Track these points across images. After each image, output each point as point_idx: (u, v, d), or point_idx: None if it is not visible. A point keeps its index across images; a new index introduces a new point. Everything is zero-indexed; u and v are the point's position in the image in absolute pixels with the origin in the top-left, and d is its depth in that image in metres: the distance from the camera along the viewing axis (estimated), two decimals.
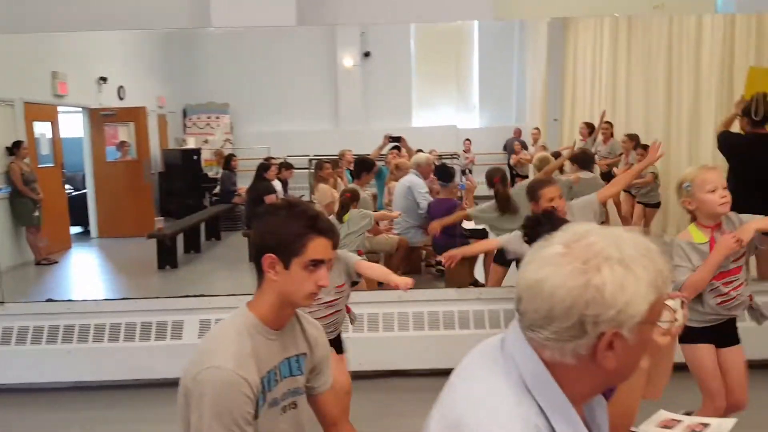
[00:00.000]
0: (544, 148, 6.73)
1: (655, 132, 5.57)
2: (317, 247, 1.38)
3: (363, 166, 4.65)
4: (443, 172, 4.88)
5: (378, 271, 2.70)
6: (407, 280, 2.47)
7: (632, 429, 1.68)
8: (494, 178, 4.11)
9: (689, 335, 2.12)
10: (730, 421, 1.71)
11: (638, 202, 5.46)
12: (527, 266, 0.88)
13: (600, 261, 0.82)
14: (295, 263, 1.36)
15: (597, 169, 5.41)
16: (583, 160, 4.92)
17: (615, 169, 5.54)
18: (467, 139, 8.29)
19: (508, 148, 7.77)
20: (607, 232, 0.88)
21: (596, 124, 5.96)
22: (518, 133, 7.93)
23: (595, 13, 5.53)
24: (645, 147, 4.92)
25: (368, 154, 5.39)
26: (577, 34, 7.09)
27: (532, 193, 2.86)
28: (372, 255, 4.45)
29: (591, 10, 4.84)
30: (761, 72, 3.90)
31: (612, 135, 5.96)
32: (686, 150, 5.46)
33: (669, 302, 1.50)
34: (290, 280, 1.37)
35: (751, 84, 3.80)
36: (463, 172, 7.45)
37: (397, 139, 6.25)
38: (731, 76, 4.70)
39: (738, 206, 3.71)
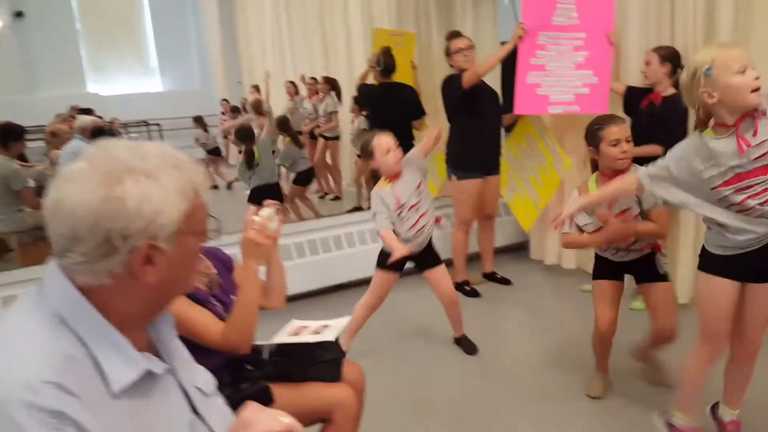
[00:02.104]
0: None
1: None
2: None
3: (8, 134, 4.07)
4: (98, 134, 4.61)
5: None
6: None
7: (260, 343, 1.82)
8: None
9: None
10: (344, 319, 2.00)
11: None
12: (51, 187, 0.81)
13: (122, 173, 0.79)
14: None
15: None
16: (282, 124, 5.31)
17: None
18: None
19: None
20: (134, 145, 0.85)
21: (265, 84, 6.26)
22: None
23: None
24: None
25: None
26: None
27: None
28: None
29: None
30: (383, 33, 4.68)
31: (319, 92, 5.96)
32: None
33: (264, 210, 1.77)
34: None
35: (376, 42, 4.53)
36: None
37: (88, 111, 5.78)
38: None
39: None
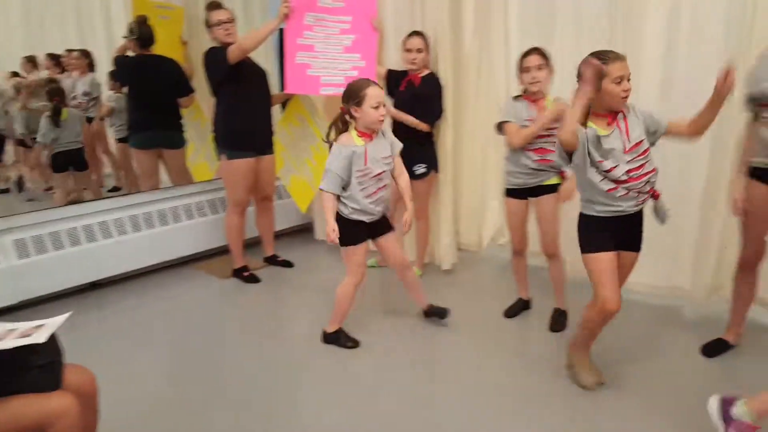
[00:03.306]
0: None
1: None
2: None
3: None
4: None
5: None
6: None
7: None
8: None
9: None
10: (62, 317, 1.64)
11: None
12: None
13: None
14: None
15: None
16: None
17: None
18: None
19: None
20: None
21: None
22: None
23: None
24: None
25: None
26: None
27: None
28: None
29: None
30: (144, 3, 4.22)
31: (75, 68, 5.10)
32: None
33: None
34: None
35: (136, 9, 4.09)
36: None
37: None
38: None
39: (136, 124, 4.03)
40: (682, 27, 2.88)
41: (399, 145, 2.73)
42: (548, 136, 2.72)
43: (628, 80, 2.06)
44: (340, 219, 2.64)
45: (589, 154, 2.08)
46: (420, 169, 3.48)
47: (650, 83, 2.99)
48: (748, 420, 1.80)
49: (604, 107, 2.10)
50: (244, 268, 3.80)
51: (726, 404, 1.87)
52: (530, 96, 2.78)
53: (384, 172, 2.66)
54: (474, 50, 3.67)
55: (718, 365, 2.50)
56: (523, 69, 2.73)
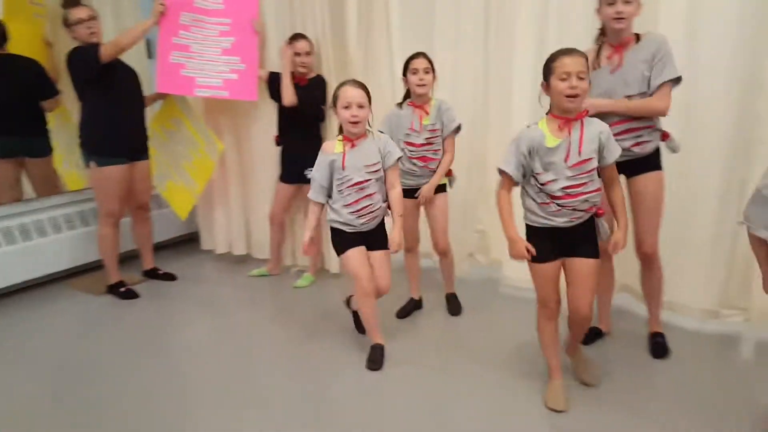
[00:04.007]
0: None
1: None
2: None
3: None
4: None
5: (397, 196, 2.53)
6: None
7: None
8: None
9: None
10: None
11: None
12: None
13: None
14: None
15: None
16: None
17: None
18: None
19: None
20: None
21: None
22: None
23: None
24: None
25: None
26: None
27: None
28: None
29: None
30: None
31: None
32: None
33: None
34: None
35: (8, 4, 3.67)
36: None
37: None
38: None
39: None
40: (551, 30, 3.01)
41: (395, 155, 2.49)
42: (429, 144, 2.84)
43: (580, 78, 1.89)
44: (331, 227, 2.57)
45: (532, 161, 2.01)
46: (311, 172, 3.43)
47: (523, 86, 3.11)
48: None
49: (557, 108, 1.99)
50: (121, 284, 3.52)
51: None
52: (415, 101, 2.84)
53: (368, 181, 2.45)
54: (359, 54, 3.68)
55: (593, 352, 2.63)
56: (410, 71, 2.79)
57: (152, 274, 3.81)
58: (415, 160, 2.85)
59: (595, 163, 2.00)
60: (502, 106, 3.27)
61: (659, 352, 2.55)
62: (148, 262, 3.81)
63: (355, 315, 2.88)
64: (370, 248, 2.56)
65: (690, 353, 2.57)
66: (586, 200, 2.02)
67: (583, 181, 1.98)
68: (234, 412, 2.26)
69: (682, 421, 2.07)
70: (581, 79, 1.90)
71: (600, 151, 2.00)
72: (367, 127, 2.48)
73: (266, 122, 3.67)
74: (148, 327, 3.10)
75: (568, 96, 1.91)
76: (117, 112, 3.29)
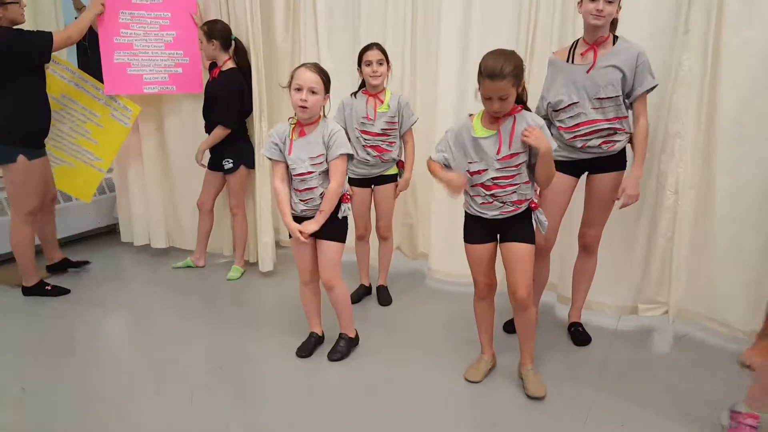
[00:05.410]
0: None
1: None
2: None
3: None
4: None
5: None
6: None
7: None
8: None
9: None
10: None
11: None
12: None
13: None
14: None
15: None
16: None
17: None
18: None
19: None
20: None
21: None
22: None
23: None
24: None
25: None
26: None
27: None
28: None
29: None
30: None
31: None
32: None
33: None
34: None
35: None
36: None
37: None
38: None
39: None
40: (474, 17, 3.05)
41: (340, 150, 2.30)
42: (384, 135, 2.87)
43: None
44: None
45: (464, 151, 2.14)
46: (227, 164, 3.40)
47: (449, 73, 3.16)
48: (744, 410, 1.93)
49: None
50: (43, 283, 3.27)
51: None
52: (370, 90, 2.86)
53: (310, 173, 2.32)
54: (287, 45, 3.61)
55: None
56: (364, 63, 2.81)
57: (62, 265, 3.58)
58: (369, 149, 2.87)
59: (523, 158, 2.08)
60: (427, 95, 3.30)
61: (581, 339, 2.68)
62: (56, 255, 3.57)
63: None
64: (316, 236, 2.41)
65: (609, 344, 2.68)
66: (514, 191, 2.11)
67: (512, 174, 2.09)
68: (150, 406, 2.16)
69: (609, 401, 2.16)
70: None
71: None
72: (321, 114, 2.36)
73: (189, 110, 3.60)
74: (58, 325, 2.91)
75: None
76: (44, 102, 3.13)
